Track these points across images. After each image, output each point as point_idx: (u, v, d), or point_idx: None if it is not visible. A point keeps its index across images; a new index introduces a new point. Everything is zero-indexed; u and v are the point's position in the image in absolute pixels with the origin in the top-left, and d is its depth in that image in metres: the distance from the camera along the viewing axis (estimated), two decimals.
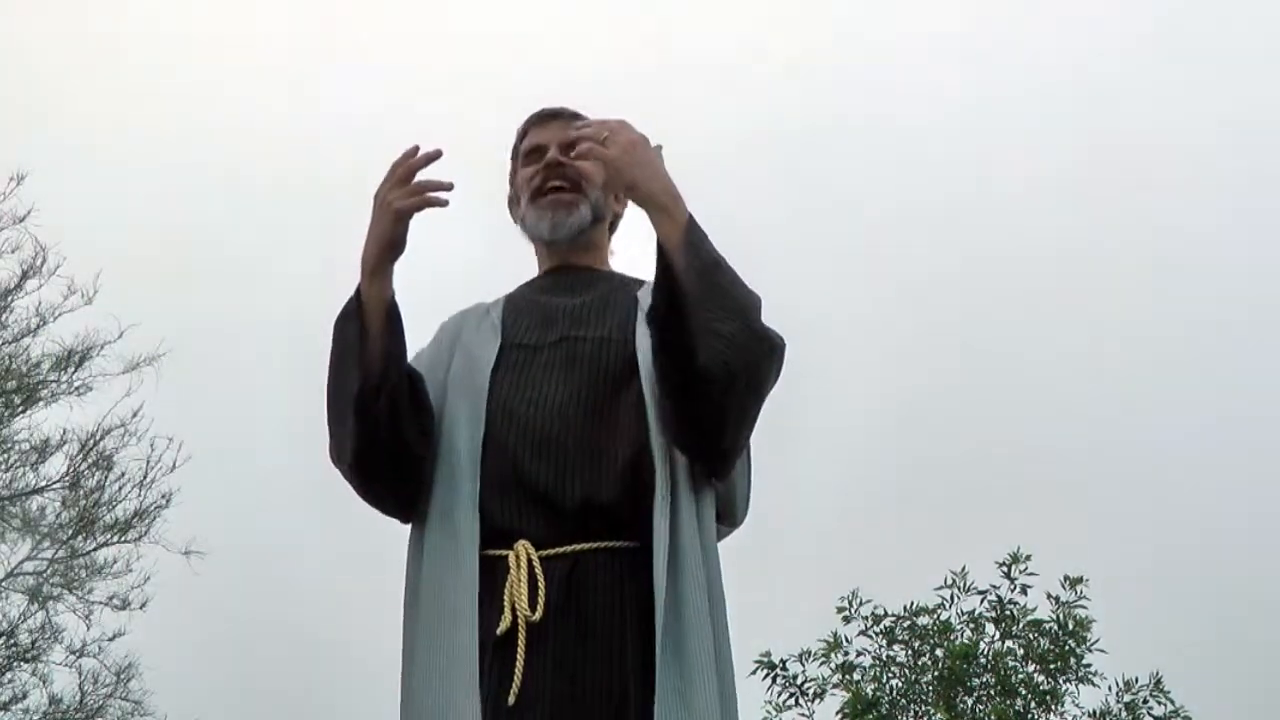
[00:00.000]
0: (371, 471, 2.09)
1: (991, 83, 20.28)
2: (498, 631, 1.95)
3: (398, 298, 2.11)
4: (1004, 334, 18.86)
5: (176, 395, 12.12)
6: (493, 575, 1.98)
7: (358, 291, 2.10)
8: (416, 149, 2.07)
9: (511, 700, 1.91)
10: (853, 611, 10.46)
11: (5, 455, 11.29)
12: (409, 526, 2.14)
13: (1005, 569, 10.38)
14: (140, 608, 11.44)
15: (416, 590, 2.05)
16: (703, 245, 2.02)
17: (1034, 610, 10.31)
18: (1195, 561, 15.04)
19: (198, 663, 12.88)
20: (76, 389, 11.47)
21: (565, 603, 1.96)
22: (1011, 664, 10.18)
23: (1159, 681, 10.09)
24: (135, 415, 11.59)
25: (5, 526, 11.04)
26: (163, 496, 11.59)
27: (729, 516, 2.15)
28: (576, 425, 2.05)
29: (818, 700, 10.28)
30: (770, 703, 10.25)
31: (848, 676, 10.28)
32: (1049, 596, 10.37)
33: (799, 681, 10.33)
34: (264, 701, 13.50)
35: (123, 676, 11.38)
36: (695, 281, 1.97)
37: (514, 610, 1.95)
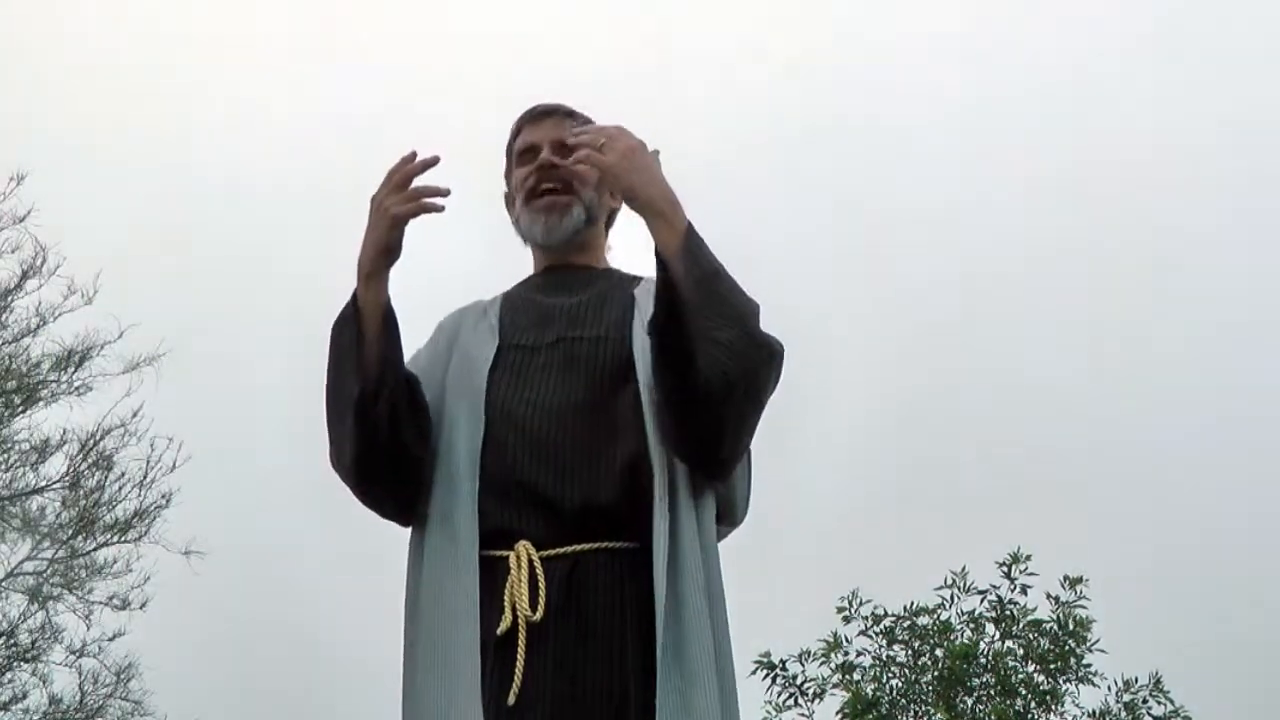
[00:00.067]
0: (371, 475, 2.09)
1: (991, 83, 20.30)
2: (498, 632, 1.95)
3: (399, 298, 2.12)
4: (1004, 334, 18.87)
5: (176, 395, 12.12)
6: (493, 575, 1.99)
7: (354, 296, 2.10)
8: (414, 154, 2.07)
9: (512, 700, 1.91)
10: (853, 611, 10.47)
11: (5, 455, 11.29)
12: (409, 529, 2.14)
13: (1005, 569, 10.38)
14: (140, 608, 11.45)
15: (417, 592, 2.05)
16: (701, 252, 2.01)
17: (1034, 610, 10.32)
18: (1195, 561, 15.05)
19: (198, 663, 12.89)
20: (76, 389, 11.48)
21: (565, 603, 1.96)
22: (1011, 664, 10.18)
23: (1159, 681, 10.10)
24: (135, 415, 11.61)
25: (5, 526, 11.04)
26: (163, 496, 11.60)
27: (729, 516, 2.15)
28: (575, 427, 2.05)
29: (818, 700, 10.29)
30: (770, 703, 10.25)
31: (848, 676, 10.27)
32: (1049, 596, 10.37)
33: (799, 682, 10.33)
34: (264, 701, 13.51)
35: (123, 676, 11.39)
36: (693, 289, 1.97)
37: (514, 610, 1.95)
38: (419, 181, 2.07)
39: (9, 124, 14.51)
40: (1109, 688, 10.18)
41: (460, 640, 1.95)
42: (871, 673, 10.31)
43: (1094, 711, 10.16)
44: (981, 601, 10.43)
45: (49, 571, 11.33)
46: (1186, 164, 19.16)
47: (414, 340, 2.31)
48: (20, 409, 11.35)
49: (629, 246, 2.34)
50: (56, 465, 11.49)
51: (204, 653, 13.01)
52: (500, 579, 1.98)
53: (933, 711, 10.07)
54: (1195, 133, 19.56)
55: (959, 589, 10.50)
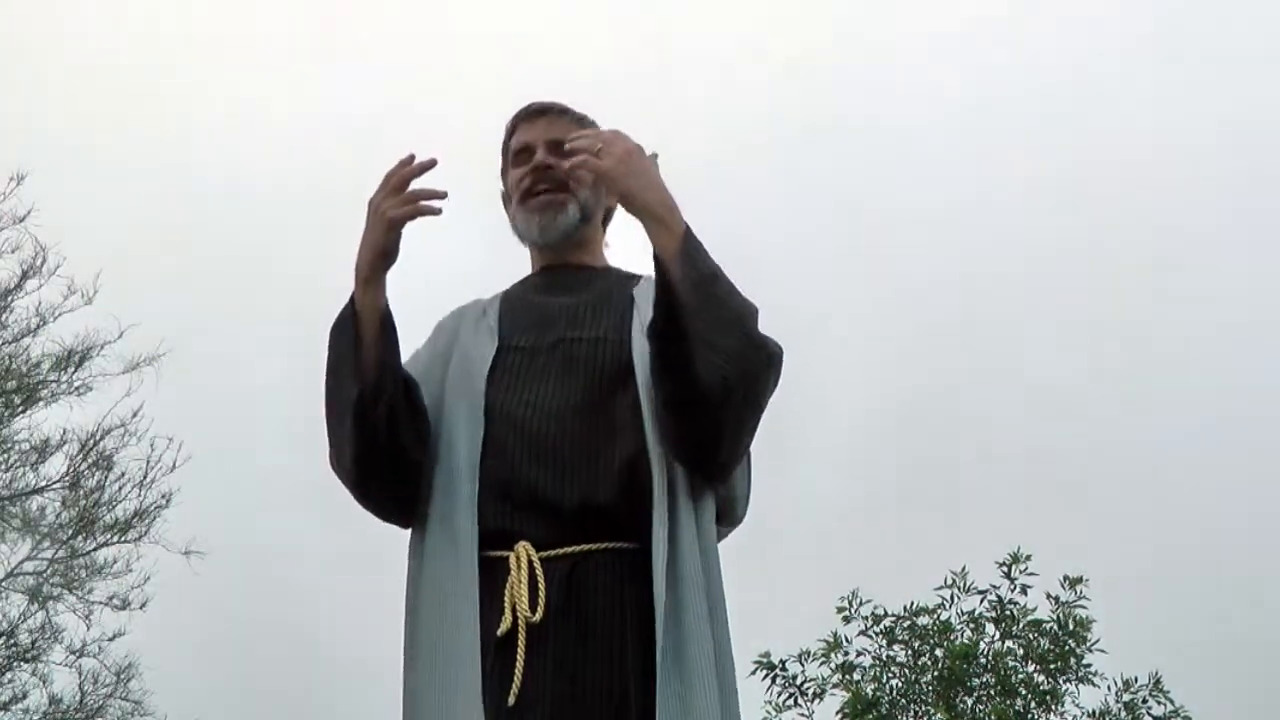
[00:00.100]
0: (370, 478, 2.10)
1: (991, 83, 20.29)
2: (498, 632, 1.95)
3: (400, 298, 2.12)
4: (1004, 334, 18.87)
5: (176, 395, 12.13)
6: (493, 576, 1.99)
7: (352, 299, 2.10)
8: (412, 157, 2.07)
9: (511, 701, 1.91)
10: (853, 611, 10.47)
11: (5, 455, 11.30)
12: (409, 530, 2.14)
13: (1005, 569, 10.38)
14: (140, 608, 11.46)
15: (417, 593, 2.05)
16: (699, 256, 2.01)
17: (1034, 610, 10.32)
18: (1195, 561, 15.05)
19: (198, 663, 12.89)
20: (76, 389, 11.49)
21: (565, 603, 1.96)
22: (1011, 664, 10.18)
23: (1158, 681, 10.10)
24: (135, 415, 11.61)
25: (5, 526, 11.05)
26: (163, 496, 11.61)
27: (729, 516, 2.15)
28: (574, 428, 2.05)
29: (817, 700, 10.29)
30: (770, 703, 10.25)
31: (848, 676, 10.28)
32: (1049, 596, 10.37)
33: (799, 682, 10.33)
34: (264, 701, 13.51)
35: (123, 676, 11.39)
36: (691, 293, 1.97)
37: (514, 611, 1.95)
38: (416, 184, 2.07)
39: (9, 124, 14.52)
40: (1109, 688, 10.19)
41: (461, 641, 1.95)
42: (871, 673, 10.32)
43: (1094, 711, 10.16)
44: (981, 601, 10.44)
45: (49, 571, 11.33)
46: (1186, 164, 19.17)
47: (414, 340, 2.32)
48: (20, 409, 11.35)
49: (627, 246, 2.34)
50: (56, 465, 11.51)
51: (204, 653, 13.02)
52: (500, 579, 1.98)
53: (933, 711, 10.07)
54: (1195, 133, 19.58)
55: (959, 589, 10.50)
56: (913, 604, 10.44)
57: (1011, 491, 15.54)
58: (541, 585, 1.96)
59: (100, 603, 11.37)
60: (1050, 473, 16.20)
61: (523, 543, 1.99)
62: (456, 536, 2.02)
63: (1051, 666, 10.13)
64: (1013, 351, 18.44)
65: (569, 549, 1.99)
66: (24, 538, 11.21)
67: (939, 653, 10.25)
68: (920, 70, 20.59)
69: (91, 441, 11.50)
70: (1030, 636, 10.23)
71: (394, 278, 2.12)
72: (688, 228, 2.03)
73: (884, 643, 10.41)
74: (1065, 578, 10.36)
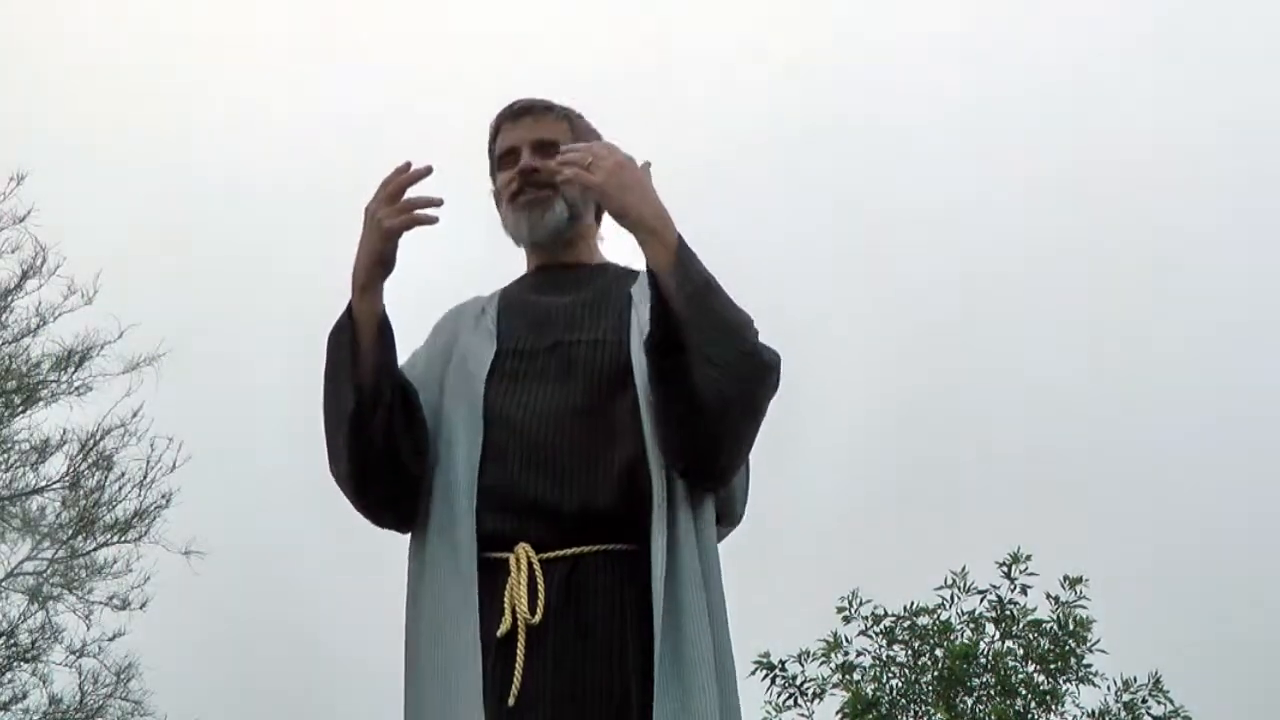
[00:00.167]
0: (368, 487, 2.10)
1: (991, 83, 20.29)
2: (498, 634, 1.95)
3: (400, 299, 2.12)
4: (1004, 334, 18.87)
5: (176, 395, 12.12)
6: (494, 578, 1.99)
7: (349, 307, 2.09)
8: (408, 164, 2.06)
9: (511, 702, 1.91)
10: (853, 611, 10.47)
11: (5, 455, 11.30)
12: (408, 535, 2.14)
13: (1005, 569, 10.39)
14: (140, 608, 11.46)
15: (418, 598, 2.06)
16: (692, 267, 2.00)
17: (1034, 610, 10.32)
18: (1195, 561, 15.05)
19: (198, 663, 12.89)
20: (76, 389, 11.48)
21: (564, 605, 1.96)
22: (1011, 664, 10.18)
23: (1158, 681, 10.10)
24: (135, 415, 11.61)
25: (5, 526, 11.05)
26: (163, 496, 11.61)
27: (728, 516, 2.15)
28: (573, 432, 2.05)
29: (817, 700, 10.29)
30: (770, 703, 10.26)
31: (848, 676, 10.28)
32: (1049, 596, 10.37)
33: (798, 682, 10.33)
34: (264, 701, 13.51)
35: (123, 676, 11.39)
36: (685, 306, 1.96)
37: (514, 613, 1.96)
38: (412, 192, 2.06)
39: (9, 124, 14.52)
40: (1109, 688, 10.20)
41: (461, 643, 1.96)
42: (871, 673, 10.32)
43: (1094, 711, 10.16)
44: (981, 601, 10.44)
45: (49, 571, 11.33)
46: (1186, 164, 19.17)
47: (414, 340, 2.32)
48: (20, 409, 11.35)
49: (622, 243, 2.33)
50: (56, 465, 11.51)
51: (204, 653, 13.02)
52: (500, 581, 1.98)
53: (933, 711, 10.08)
54: (1195, 133, 19.57)
55: (959, 589, 10.51)
56: (913, 604, 10.45)
57: (1011, 491, 15.55)
58: (541, 587, 1.96)
59: (100, 603, 11.38)
60: (1050, 473, 16.21)
61: (522, 544, 1.99)
62: (456, 542, 2.02)
63: (1051, 666, 10.14)
64: (1013, 351, 18.44)
65: (568, 551, 1.99)
66: (24, 538, 11.21)
67: (939, 653, 10.25)
68: (920, 70, 20.60)
69: (91, 441, 11.51)
70: (1030, 636, 10.23)
71: (394, 277, 2.12)
72: (681, 239, 2.02)
73: (884, 643, 10.41)
74: (1065, 578, 10.37)
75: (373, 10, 21.89)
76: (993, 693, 10.11)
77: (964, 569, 10.54)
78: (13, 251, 11.58)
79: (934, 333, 18.58)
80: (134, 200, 16.39)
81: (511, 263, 2.39)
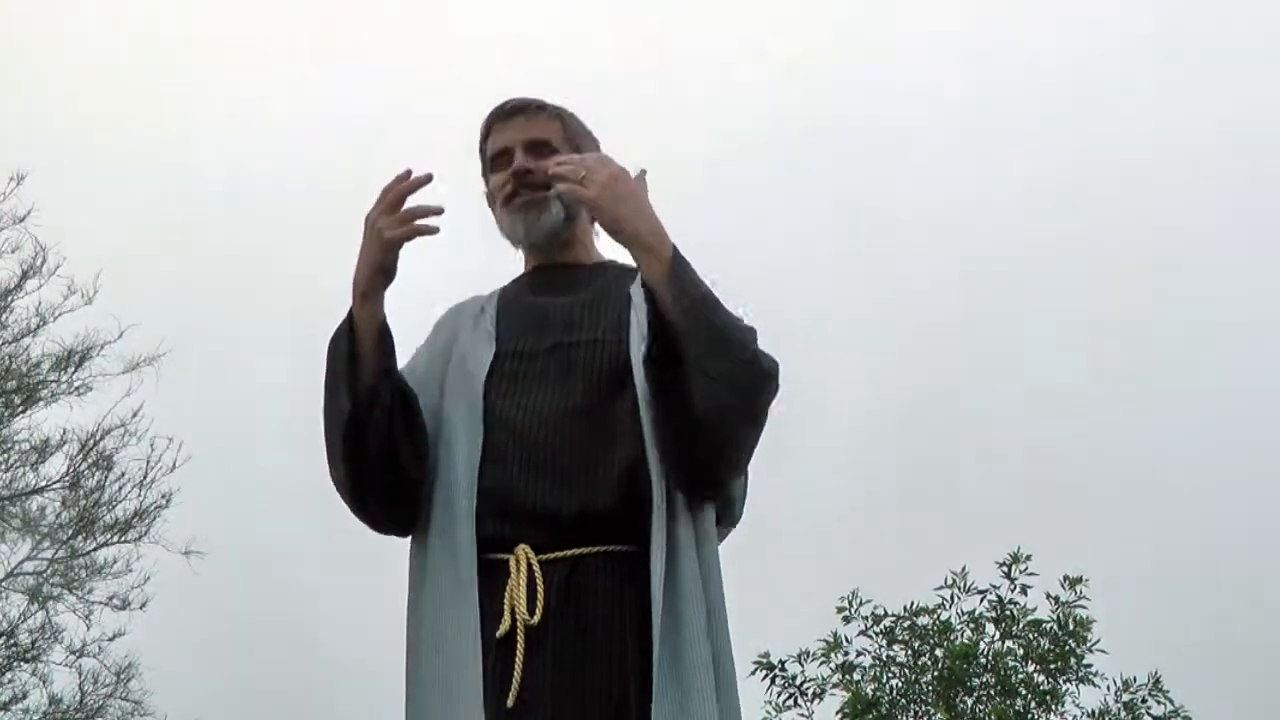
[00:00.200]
0: (366, 494, 2.10)
1: (991, 83, 20.29)
2: (497, 635, 1.96)
3: (399, 302, 2.11)
4: (1004, 334, 18.87)
5: (176, 395, 12.12)
6: (494, 579, 1.99)
7: (349, 315, 2.09)
8: (409, 172, 2.05)
9: (510, 702, 1.91)
10: (853, 611, 10.47)
11: (5, 455, 11.30)
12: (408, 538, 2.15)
13: (1005, 569, 10.39)
14: (140, 608, 11.46)
15: (419, 605, 2.06)
16: (688, 280, 1.98)
17: (1034, 610, 10.32)
18: (1195, 561, 15.05)
19: (198, 663, 12.89)
20: (76, 389, 11.48)
21: (564, 606, 1.96)
22: (1011, 664, 10.18)
23: (1158, 681, 10.10)
24: (135, 415, 11.61)
25: (5, 526, 11.05)
26: (163, 496, 11.61)
27: (727, 518, 2.15)
28: (572, 434, 2.05)
29: (817, 700, 10.29)
30: (770, 703, 10.26)
31: (848, 676, 10.28)
32: (1049, 596, 10.38)
33: (798, 682, 10.33)
34: (264, 701, 13.51)
35: (123, 676, 11.39)
36: (682, 318, 1.95)
37: (513, 614, 1.96)
38: (412, 200, 2.05)
39: (9, 124, 14.51)
40: (1109, 688, 10.20)
41: (461, 644, 1.96)
42: (871, 673, 10.32)
43: (1094, 711, 10.16)
44: (981, 601, 10.45)
45: (49, 571, 11.33)
46: (1186, 164, 19.17)
47: (414, 340, 2.32)
48: (20, 409, 11.35)
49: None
50: (56, 465, 11.51)
51: (204, 653, 13.02)
52: (500, 582, 1.98)
53: (933, 711, 10.08)
54: (1195, 133, 19.57)
55: (959, 589, 10.51)
56: (913, 604, 10.45)
57: (1011, 491, 15.55)
58: (540, 588, 1.96)
59: (100, 603, 11.38)
60: (1050, 473, 16.22)
61: (522, 546, 2.00)
62: (456, 544, 2.02)
63: (1051, 666, 10.14)
64: (1013, 351, 18.44)
65: (568, 552, 1.99)
66: (24, 538, 11.21)
67: (939, 653, 10.25)
68: (920, 70, 20.60)
69: (91, 441, 11.51)
70: (1030, 636, 10.23)
71: (401, 269, 2.11)
72: (676, 252, 2.00)
73: (884, 643, 10.42)
74: (1065, 578, 10.37)
75: (373, 10, 21.90)
76: (993, 693, 10.11)
77: (964, 569, 10.55)
78: (13, 251, 11.59)
79: (934, 333, 18.58)
80: (134, 200, 16.39)
81: (509, 266, 2.38)
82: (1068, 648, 10.15)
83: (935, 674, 10.21)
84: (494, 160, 2.30)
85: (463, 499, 2.04)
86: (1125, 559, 13.69)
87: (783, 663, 10.36)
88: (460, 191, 2.42)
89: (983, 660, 10.18)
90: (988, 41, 20.92)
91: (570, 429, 2.05)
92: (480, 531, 2.01)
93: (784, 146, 20.03)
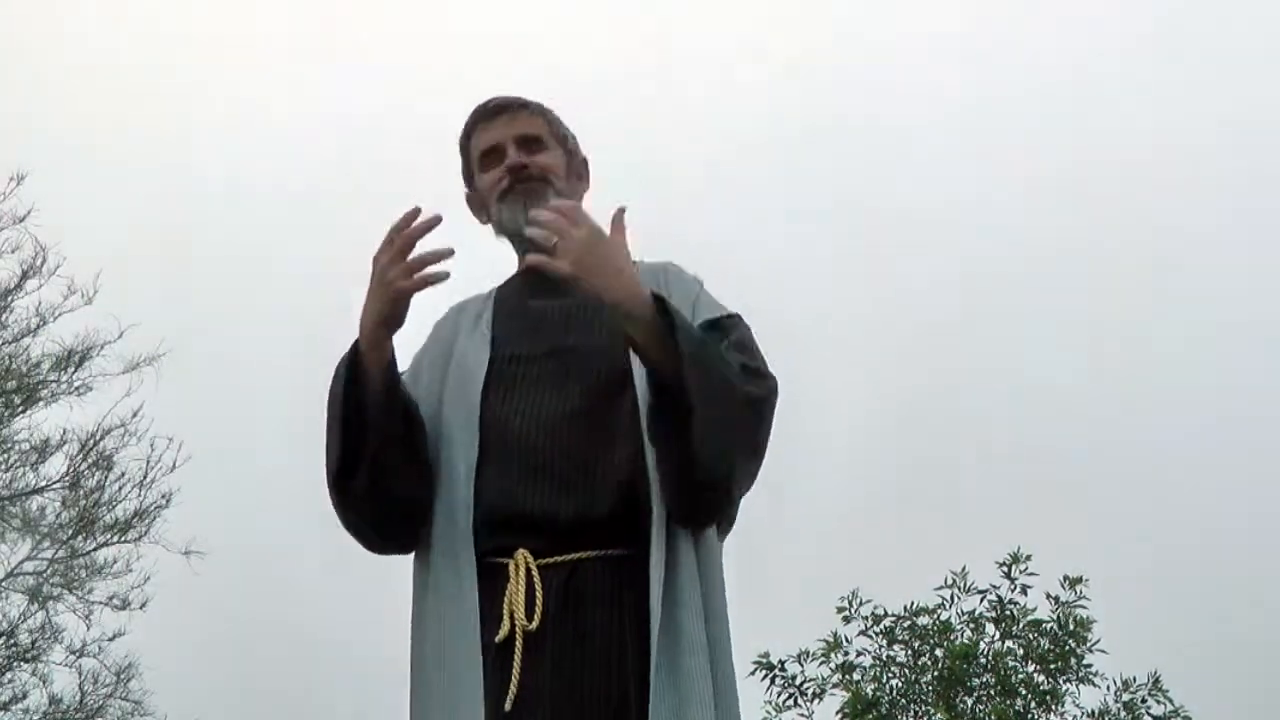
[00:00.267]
0: (364, 535, 2.12)
1: (991, 83, 20.30)
2: (496, 640, 1.95)
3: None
4: (1004, 334, 18.87)
5: (176, 395, 12.12)
6: (494, 583, 1.99)
7: (351, 356, 2.06)
8: (416, 211, 1.99)
9: (508, 707, 1.91)
10: (853, 611, 10.47)
11: (5, 455, 11.30)
12: None
13: (1005, 569, 10.39)
14: (140, 608, 11.46)
15: (422, 614, 2.06)
16: (675, 335, 1.93)
17: (1034, 610, 10.32)
18: (1195, 561, 15.05)
19: (198, 663, 12.89)
20: (76, 389, 11.48)
21: (563, 610, 1.96)
22: (1011, 664, 10.18)
23: (1157, 680, 10.10)
24: (135, 415, 11.61)
25: (5, 526, 11.05)
26: (163, 496, 11.60)
27: (726, 521, 2.15)
28: (570, 439, 2.03)
29: (817, 700, 10.29)
30: (770, 703, 10.26)
31: (848, 676, 10.28)
32: (1049, 596, 10.38)
33: (798, 682, 10.33)
34: (264, 701, 13.51)
35: (123, 676, 11.39)
36: (673, 377, 1.92)
37: (512, 619, 1.96)
38: (422, 242, 2.01)
39: (9, 124, 14.52)
40: (1109, 688, 10.20)
41: (461, 649, 1.96)
42: (871, 673, 10.32)
43: (1094, 711, 10.16)
44: (981, 601, 10.45)
45: (49, 571, 11.33)
46: (1186, 164, 19.17)
47: (415, 339, 2.31)
48: (20, 409, 11.35)
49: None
50: (56, 465, 11.51)
51: (204, 653, 13.02)
52: (500, 586, 1.98)
53: (933, 711, 10.08)
54: (1195, 133, 19.58)
55: (959, 589, 10.51)
56: (913, 604, 10.45)
57: (1011, 491, 15.55)
58: (539, 593, 1.96)
59: (100, 603, 11.37)
60: (1050, 473, 16.21)
61: (521, 550, 1.99)
62: (456, 552, 2.02)
63: (1051, 666, 10.14)
64: (1013, 351, 18.44)
65: (567, 556, 1.98)
66: (24, 538, 11.21)
67: (939, 653, 10.25)
68: (920, 70, 20.60)
69: (91, 441, 11.51)
70: (1030, 636, 10.23)
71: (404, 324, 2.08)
72: (657, 308, 1.95)
73: (884, 643, 10.42)
74: (1065, 578, 10.37)
75: (373, 10, 21.90)
76: (993, 693, 10.11)
77: (964, 569, 10.55)
78: (13, 251, 11.59)
79: (934, 333, 18.59)
80: (134, 200, 16.40)
81: (505, 264, 2.38)
82: (1068, 648, 10.15)
83: (935, 674, 10.21)
84: (483, 158, 2.28)
85: (461, 505, 2.03)
86: (1125, 559, 13.70)
87: (783, 663, 10.36)
88: (460, 190, 2.42)
89: (983, 660, 10.18)
90: (988, 41, 20.94)
91: (568, 433, 2.04)
92: (479, 537, 2.01)
93: (784, 146, 20.04)
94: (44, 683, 11.30)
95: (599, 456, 2.02)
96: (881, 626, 10.42)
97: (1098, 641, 10.20)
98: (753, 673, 10.19)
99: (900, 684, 10.30)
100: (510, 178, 2.24)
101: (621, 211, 2.01)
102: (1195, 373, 17.58)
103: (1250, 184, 19.02)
